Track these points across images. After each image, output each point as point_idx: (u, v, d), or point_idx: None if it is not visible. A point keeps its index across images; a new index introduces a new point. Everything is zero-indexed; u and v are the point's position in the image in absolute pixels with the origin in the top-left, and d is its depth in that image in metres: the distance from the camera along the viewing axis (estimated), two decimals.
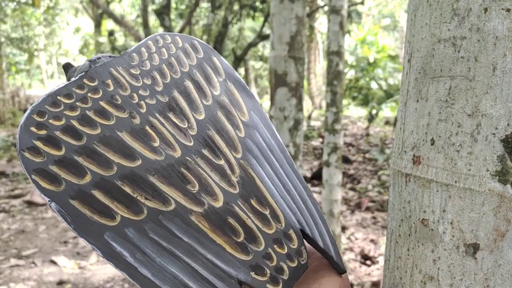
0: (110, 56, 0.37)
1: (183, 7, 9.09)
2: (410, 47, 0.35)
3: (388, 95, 8.66)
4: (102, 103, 0.34)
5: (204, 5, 8.96)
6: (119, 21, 7.76)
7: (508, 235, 0.29)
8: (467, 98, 0.30)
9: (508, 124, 0.28)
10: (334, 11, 3.09)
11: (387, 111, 9.27)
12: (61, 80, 25.61)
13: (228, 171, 0.35)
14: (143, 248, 0.30)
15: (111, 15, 7.79)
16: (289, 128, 1.86)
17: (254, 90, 15.53)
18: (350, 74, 9.72)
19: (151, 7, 7.52)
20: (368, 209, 4.25)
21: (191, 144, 0.35)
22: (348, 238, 3.54)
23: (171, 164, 0.33)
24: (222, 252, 0.32)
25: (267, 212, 0.35)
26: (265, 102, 15.30)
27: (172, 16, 8.56)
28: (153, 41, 0.39)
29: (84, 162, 0.31)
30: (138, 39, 7.56)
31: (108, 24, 13.76)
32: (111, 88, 0.35)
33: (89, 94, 0.34)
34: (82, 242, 3.33)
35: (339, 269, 0.36)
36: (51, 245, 3.29)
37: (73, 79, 0.35)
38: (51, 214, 4.01)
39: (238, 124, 0.38)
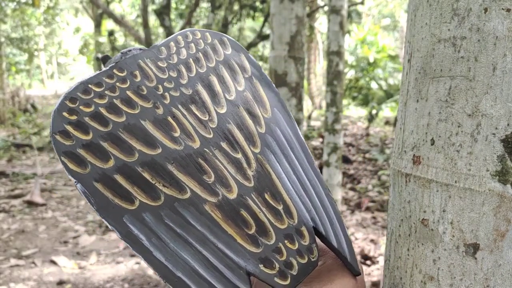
0: (140, 49, 0.39)
1: (183, 7, 9.09)
2: (410, 47, 0.35)
3: (388, 95, 8.66)
4: (128, 92, 0.36)
5: (204, 5, 8.96)
6: (119, 21, 7.75)
7: (508, 235, 0.29)
8: (467, 98, 0.30)
9: (508, 124, 0.28)
10: (334, 11, 3.09)
11: (387, 111, 9.27)
12: (61, 80, 25.58)
13: (245, 165, 0.36)
14: (158, 233, 0.32)
15: (111, 15, 7.79)
16: None
17: None
18: (350, 74, 9.72)
19: (151, 7, 7.52)
20: (368, 209, 4.25)
21: (210, 136, 0.36)
22: None
23: (189, 154, 0.35)
24: (232, 243, 0.33)
25: (280, 207, 0.35)
26: None
27: (172, 16, 8.56)
28: (183, 36, 0.41)
29: (109, 147, 0.33)
30: (138, 39, 7.56)
31: (108, 24, 13.75)
32: (138, 79, 0.37)
33: (117, 84, 0.36)
34: (82, 242, 3.34)
35: (354, 271, 0.36)
36: (51, 245, 3.29)
37: (104, 68, 0.37)
38: (51, 214, 4.00)
39: (259, 119, 0.39)
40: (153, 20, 10.15)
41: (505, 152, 0.28)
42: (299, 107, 1.88)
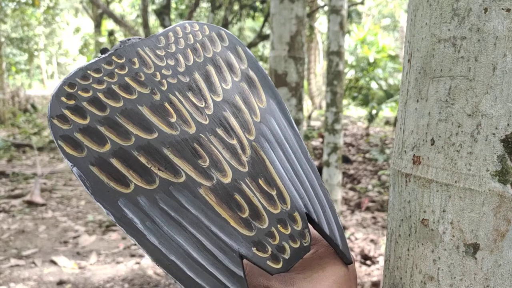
0: (139, 38, 0.40)
1: (183, 7, 9.08)
2: (410, 47, 0.35)
3: (388, 95, 8.65)
4: (127, 78, 0.36)
5: (204, 5, 8.95)
6: (119, 21, 7.75)
7: (508, 235, 0.29)
8: (467, 98, 0.30)
9: (508, 124, 0.28)
10: (334, 11, 3.09)
11: (387, 111, 9.26)
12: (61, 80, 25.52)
13: (239, 151, 0.37)
14: (152, 217, 0.32)
15: (111, 15, 7.79)
16: None
17: None
18: (350, 74, 9.72)
19: (151, 7, 7.52)
20: (368, 209, 4.25)
21: (206, 122, 0.37)
22: (348, 238, 3.54)
23: (185, 139, 0.35)
24: (226, 226, 0.33)
25: (273, 193, 0.36)
26: None
27: (172, 16, 8.55)
28: (181, 27, 0.41)
29: (105, 131, 0.33)
30: None
31: (108, 24, 13.75)
32: (137, 65, 0.37)
33: (116, 70, 0.36)
34: (82, 242, 3.34)
35: (346, 259, 0.36)
36: (51, 245, 3.29)
37: (103, 55, 0.37)
38: (51, 214, 4.01)
39: (255, 109, 0.39)
40: (153, 20, 10.15)
41: (505, 152, 0.28)
42: (299, 107, 1.88)
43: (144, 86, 0.36)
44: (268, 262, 0.33)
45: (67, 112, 0.33)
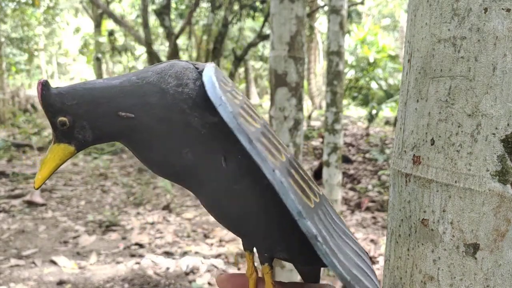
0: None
1: (183, 7, 9.08)
2: (410, 47, 0.35)
3: (388, 95, 8.65)
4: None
5: (204, 5, 8.95)
6: (119, 21, 7.75)
7: (508, 235, 0.29)
8: (467, 98, 0.30)
9: (508, 124, 0.28)
10: (334, 11, 3.09)
11: (387, 111, 9.27)
12: (61, 80, 25.51)
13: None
14: (330, 230, 0.30)
15: (111, 15, 7.79)
16: (289, 128, 1.86)
17: (254, 90, 15.51)
18: (350, 74, 9.72)
19: (151, 7, 7.52)
20: (368, 209, 4.25)
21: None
22: None
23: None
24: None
25: None
26: (265, 102, 15.28)
27: (172, 16, 8.55)
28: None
29: (275, 141, 0.30)
30: (138, 39, 7.55)
31: (108, 24, 13.73)
32: None
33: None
34: (82, 242, 3.33)
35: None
36: (51, 245, 3.29)
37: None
38: (51, 214, 4.00)
39: None
40: (153, 20, 10.14)
41: (505, 152, 0.28)
42: (299, 107, 1.88)
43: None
44: None
45: (228, 95, 0.28)
